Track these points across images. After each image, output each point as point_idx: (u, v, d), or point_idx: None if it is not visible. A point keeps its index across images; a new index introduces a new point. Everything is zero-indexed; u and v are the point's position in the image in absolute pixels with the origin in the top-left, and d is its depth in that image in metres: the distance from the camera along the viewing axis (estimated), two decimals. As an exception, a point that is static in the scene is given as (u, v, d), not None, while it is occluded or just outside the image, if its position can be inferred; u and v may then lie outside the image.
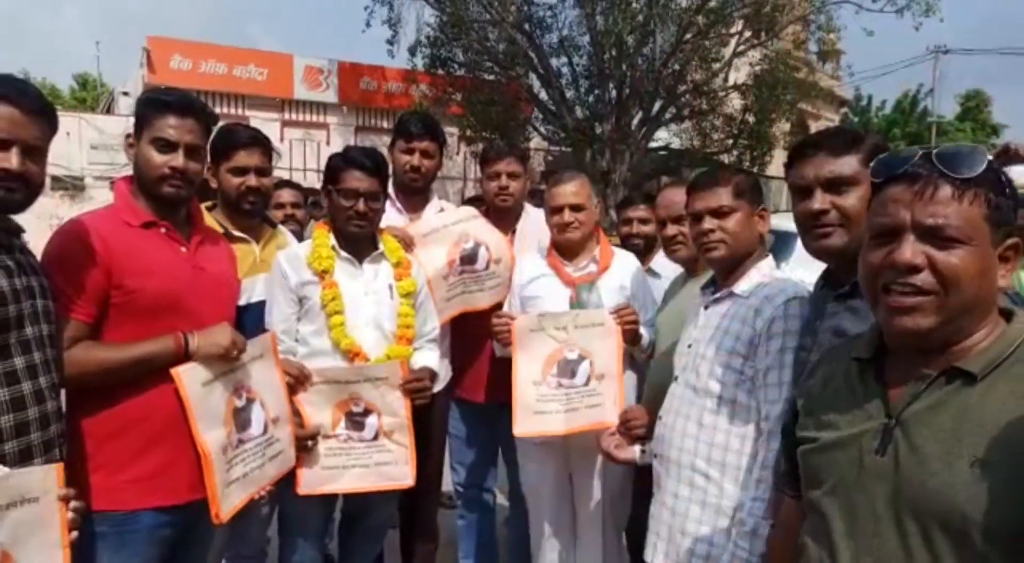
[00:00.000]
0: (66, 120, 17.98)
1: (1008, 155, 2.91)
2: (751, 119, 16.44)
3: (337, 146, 19.70)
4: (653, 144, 17.11)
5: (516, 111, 16.25)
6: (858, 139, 1.57)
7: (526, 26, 15.23)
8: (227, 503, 1.98)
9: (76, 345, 1.79)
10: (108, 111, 20.36)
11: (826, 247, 1.56)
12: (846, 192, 1.54)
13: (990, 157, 1.06)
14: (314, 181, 12.10)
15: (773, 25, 15.89)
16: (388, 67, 19.08)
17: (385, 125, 21.34)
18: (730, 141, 16.84)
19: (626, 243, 3.19)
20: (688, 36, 14.64)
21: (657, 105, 15.76)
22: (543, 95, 15.95)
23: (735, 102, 16.91)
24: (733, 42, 15.86)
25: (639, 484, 2.59)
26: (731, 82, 16.60)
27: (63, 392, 1.78)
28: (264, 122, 19.09)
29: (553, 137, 16.78)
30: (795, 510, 1.33)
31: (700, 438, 1.87)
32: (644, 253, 3.08)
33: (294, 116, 20.17)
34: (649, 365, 2.57)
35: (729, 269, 1.98)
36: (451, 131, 17.04)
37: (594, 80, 15.52)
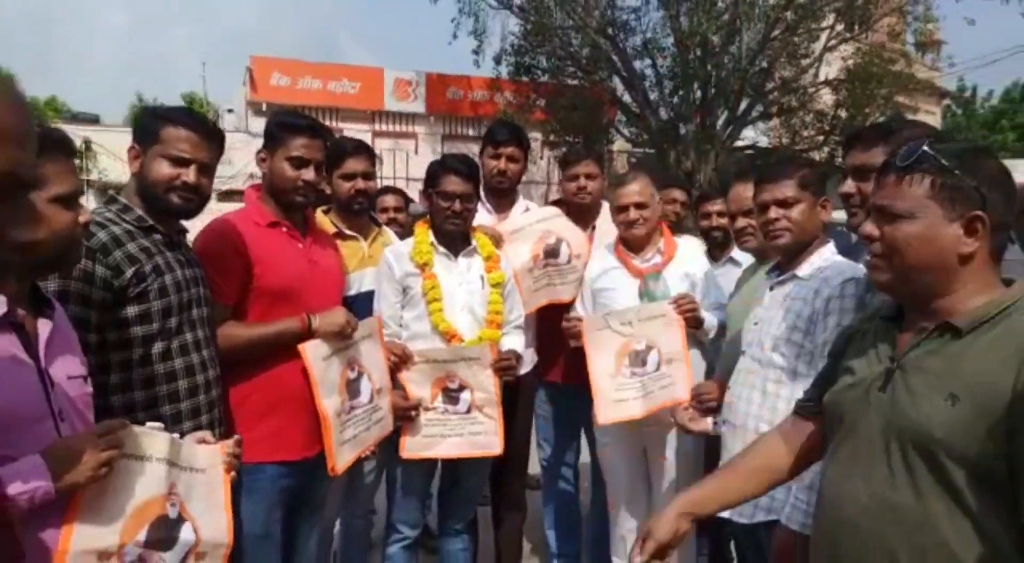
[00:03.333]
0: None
1: None
2: (843, 114, 15.99)
3: (425, 155, 20.41)
4: (740, 143, 16.89)
5: (599, 115, 16.34)
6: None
7: (609, 30, 15.28)
8: (341, 458, 2.31)
9: (224, 324, 2.15)
10: (214, 127, 21.63)
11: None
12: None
13: (926, 148, 1.28)
14: (402, 188, 12.59)
15: (867, 18, 15.40)
16: (473, 76, 19.54)
17: (471, 133, 21.81)
18: (821, 138, 16.36)
19: (707, 236, 3.39)
20: (776, 33, 14.37)
21: (744, 104, 15.55)
22: (626, 98, 15.97)
23: (826, 98, 16.47)
24: (824, 36, 15.47)
25: (711, 458, 2.77)
26: (822, 77, 16.19)
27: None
28: (356, 133, 19.92)
29: (636, 139, 16.81)
30: (795, 425, 1.62)
31: (763, 405, 2.06)
32: (724, 244, 3.27)
33: (384, 127, 20.92)
34: (720, 345, 2.75)
35: (793, 254, 2.15)
36: (535, 136, 17.26)
37: (678, 81, 15.40)
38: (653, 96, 15.74)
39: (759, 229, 2.28)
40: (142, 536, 1.50)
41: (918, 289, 1.32)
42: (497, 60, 16.42)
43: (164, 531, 1.55)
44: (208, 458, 1.71)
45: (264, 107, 19.74)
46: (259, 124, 18.12)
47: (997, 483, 1.17)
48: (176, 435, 1.68)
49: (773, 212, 2.15)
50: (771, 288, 2.21)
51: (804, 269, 2.13)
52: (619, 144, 18.19)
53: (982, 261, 1.28)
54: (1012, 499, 1.16)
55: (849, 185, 1.82)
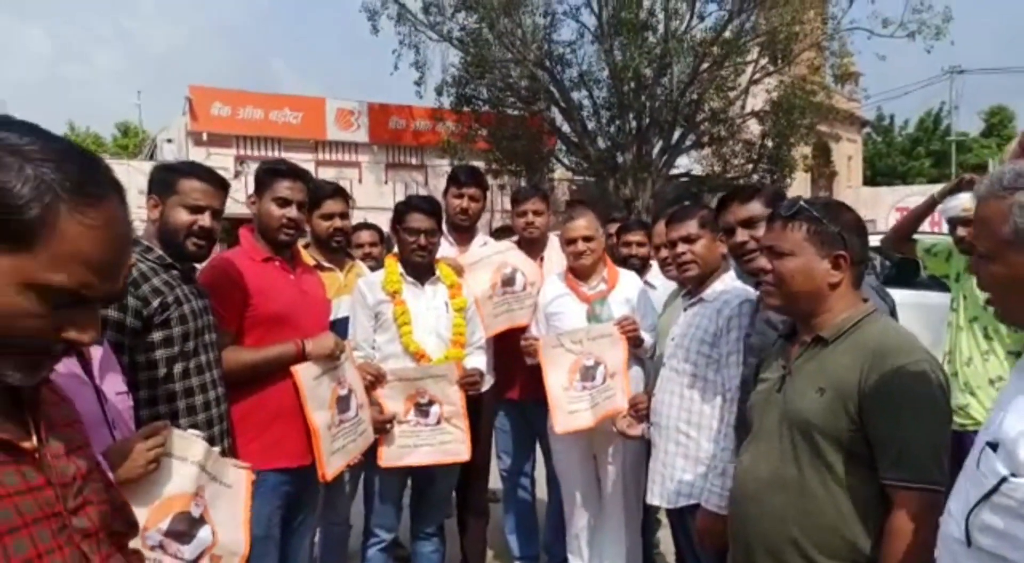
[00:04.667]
0: (116, 167, 19.22)
1: (962, 184, 3.51)
2: (770, 144, 16.87)
3: (369, 183, 20.64)
4: (675, 171, 17.64)
5: (540, 144, 16.89)
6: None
7: (547, 62, 15.90)
8: (331, 467, 2.64)
9: (228, 349, 2.47)
10: (151, 157, 21.35)
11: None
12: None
13: (803, 203, 1.72)
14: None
15: (788, 52, 16.39)
16: (416, 106, 19.90)
17: (413, 162, 22.08)
18: (750, 166, 17.17)
19: (625, 263, 3.85)
20: (704, 66, 15.19)
21: (677, 133, 16.28)
22: (565, 128, 16.56)
23: (753, 128, 17.37)
24: (749, 70, 16.37)
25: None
26: (748, 109, 17.09)
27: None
28: (300, 163, 19.47)
29: (576, 168, 17.39)
30: None
31: (681, 407, 2.50)
32: (640, 269, 3.76)
33: (327, 156, 20.95)
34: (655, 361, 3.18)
35: (700, 281, 2.61)
36: (478, 166, 17.73)
37: (614, 111, 16.08)
38: (591, 126, 16.38)
39: (672, 261, 2.74)
40: (165, 525, 1.76)
41: (800, 309, 1.76)
42: (439, 91, 16.83)
43: (185, 526, 1.80)
44: (236, 477, 1.98)
45: (205, 137, 19.69)
46: (199, 153, 18.05)
47: (858, 454, 1.60)
48: (217, 449, 1.97)
49: (680, 247, 2.60)
50: (684, 309, 2.66)
51: (709, 293, 2.57)
52: (560, 172, 18.77)
53: (846, 288, 1.73)
54: (871, 465, 1.59)
55: (741, 234, 2.24)
